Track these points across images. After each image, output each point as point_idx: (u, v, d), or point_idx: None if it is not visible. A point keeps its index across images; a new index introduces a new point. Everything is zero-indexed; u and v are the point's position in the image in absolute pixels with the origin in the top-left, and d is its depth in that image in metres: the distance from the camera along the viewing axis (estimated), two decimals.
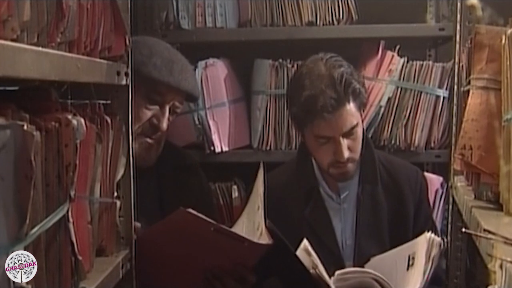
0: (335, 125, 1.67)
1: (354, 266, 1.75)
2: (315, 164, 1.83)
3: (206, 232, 1.40)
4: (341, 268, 1.73)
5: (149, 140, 1.75)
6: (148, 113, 1.73)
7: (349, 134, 1.70)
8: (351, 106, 1.68)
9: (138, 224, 1.55)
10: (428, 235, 1.59)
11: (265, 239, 1.44)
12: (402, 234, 1.78)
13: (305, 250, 1.59)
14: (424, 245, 1.57)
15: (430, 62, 2.20)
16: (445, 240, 1.97)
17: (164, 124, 1.75)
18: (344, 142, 1.69)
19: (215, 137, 2.19)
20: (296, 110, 1.73)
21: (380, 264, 1.64)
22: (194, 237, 1.42)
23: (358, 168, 1.81)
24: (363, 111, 1.81)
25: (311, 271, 1.55)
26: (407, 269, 1.58)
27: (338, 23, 2.17)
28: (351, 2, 2.16)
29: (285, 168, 1.94)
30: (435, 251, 1.55)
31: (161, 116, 1.74)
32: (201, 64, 2.17)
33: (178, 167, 1.86)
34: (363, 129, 1.79)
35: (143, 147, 1.73)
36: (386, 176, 1.83)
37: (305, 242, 1.61)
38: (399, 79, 2.18)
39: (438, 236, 1.66)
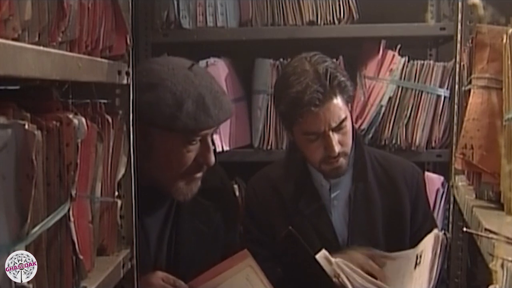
0: (323, 119, 1.66)
1: None
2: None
3: None
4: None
5: (197, 175, 1.62)
6: (191, 155, 1.58)
7: (338, 128, 1.68)
8: (338, 100, 1.67)
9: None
10: (435, 231, 1.59)
11: None
12: (398, 232, 1.77)
13: (325, 259, 1.58)
14: (431, 242, 1.56)
15: (431, 62, 2.21)
16: (447, 235, 1.97)
17: (212, 158, 1.60)
18: (334, 137, 1.68)
19: (216, 137, 2.19)
20: (284, 108, 1.72)
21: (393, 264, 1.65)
22: None
23: (351, 167, 1.79)
24: (351, 105, 1.80)
25: (334, 279, 1.55)
26: (414, 268, 1.58)
27: (339, 23, 2.17)
28: (352, 1, 2.16)
29: (275, 164, 1.92)
30: (439, 247, 1.55)
31: (206, 151, 1.59)
32: (202, 63, 2.16)
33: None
34: (352, 123, 1.77)
35: (190, 184, 1.62)
36: (381, 173, 1.82)
37: (324, 251, 1.60)
38: (400, 78, 2.18)
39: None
